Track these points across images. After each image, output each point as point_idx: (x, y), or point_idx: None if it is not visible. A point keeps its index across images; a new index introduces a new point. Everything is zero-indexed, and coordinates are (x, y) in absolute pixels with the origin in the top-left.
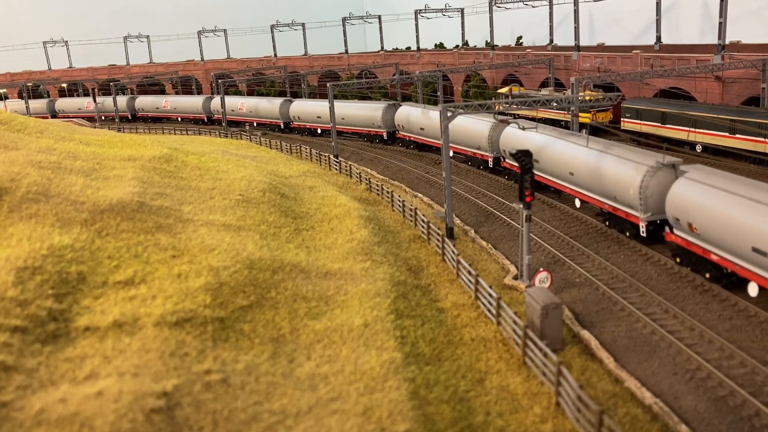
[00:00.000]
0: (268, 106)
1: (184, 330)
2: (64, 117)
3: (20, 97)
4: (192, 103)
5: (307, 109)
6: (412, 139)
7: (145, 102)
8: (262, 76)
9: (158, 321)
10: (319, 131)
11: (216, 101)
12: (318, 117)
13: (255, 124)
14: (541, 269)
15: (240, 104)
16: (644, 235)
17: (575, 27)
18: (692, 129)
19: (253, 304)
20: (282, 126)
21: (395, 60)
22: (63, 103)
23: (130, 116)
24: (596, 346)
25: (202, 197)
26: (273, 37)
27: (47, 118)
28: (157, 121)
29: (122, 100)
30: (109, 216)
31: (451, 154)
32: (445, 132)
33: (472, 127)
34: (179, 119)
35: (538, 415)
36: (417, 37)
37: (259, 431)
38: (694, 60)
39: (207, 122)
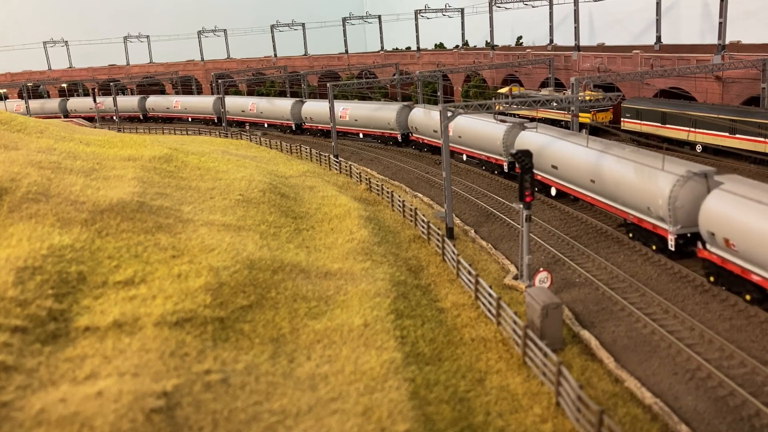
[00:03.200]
0: (279, 106)
1: (184, 330)
2: (75, 116)
3: (20, 97)
4: (203, 103)
5: (319, 110)
6: (426, 141)
7: (156, 102)
8: (262, 76)
9: (158, 321)
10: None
11: (227, 101)
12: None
13: (266, 125)
14: (541, 269)
15: (250, 105)
16: (672, 249)
17: (575, 27)
18: (692, 129)
19: (253, 304)
20: (294, 127)
21: (395, 60)
22: (75, 103)
23: (141, 116)
24: (596, 346)
25: (202, 197)
26: (273, 37)
27: (59, 117)
28: (168, 121)
29: (133, 100)
30: (109, 216)
31: (464, 158)
32: (445, 132)
33: (486, 130)
34: (190, 119)
35: (538, 415)
36: (417, 37)
37: (259, 431)
38: (694, 60)
39: (218, 123)
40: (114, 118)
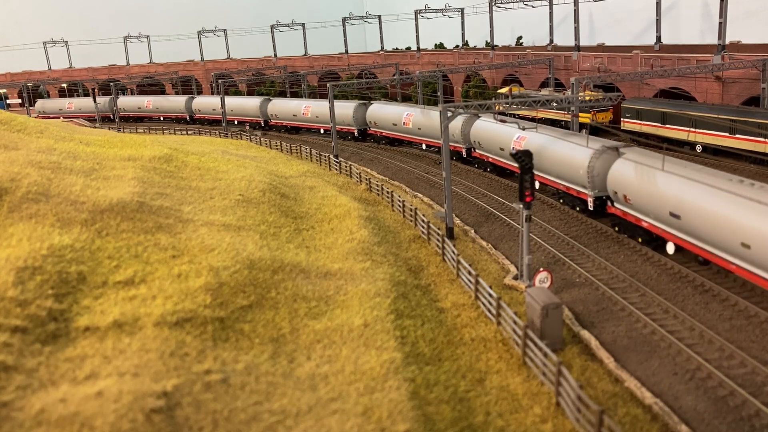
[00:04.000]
0: (339, 110)
1: (184, 330)
2: (123, 116)
3: (20, 96)
4: (249, 105)
5: (283, 107)
6: (491, 161)
7: (201, 104)
8: (262, 76)
9: (158, 321)
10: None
11: (274, 104)
12: (398, 124)
13: (321, 131)
14: (541, 269)
15: (304, 108)
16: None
17: (575, 27)
18: (692, 129)
19: (253, 304)
20: (356, 133)
21: (395, 60)
22: (123, 102)
23: (188, 118)
24: (596, 346)
25: (202, 197)
26: (273, 37)
27: (110, 117)
28: (216, 123)
29: (181, 101)
30: (109, 216)
31: (537, 185)
32: (445, 132)
33: (566, 153)
34: (236, 122)
35: (538, 415)
36: (417, 37)
37: (259, 431)
38: (694, 60)
39: (265, 126)
40: (161, 118)
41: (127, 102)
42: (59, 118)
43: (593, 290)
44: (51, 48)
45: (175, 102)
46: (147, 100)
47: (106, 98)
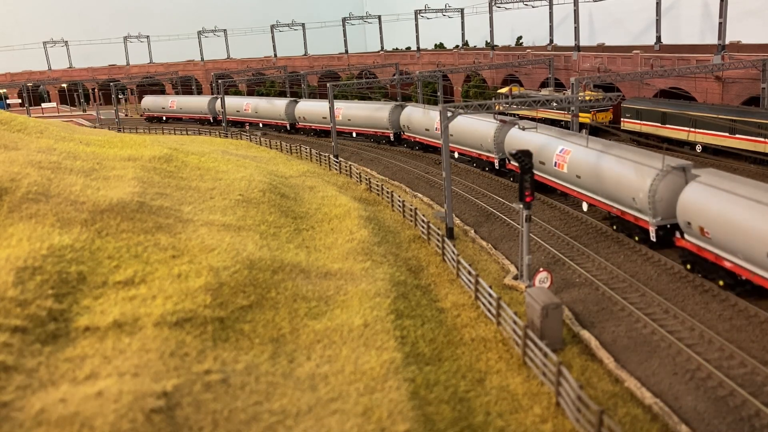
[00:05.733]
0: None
1: (184, 330)
2: (234, 120)
3: (20, 96)
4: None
5: (234, 104)
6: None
7: (231, 104)
8: (262, 76)
9: (158, 321)
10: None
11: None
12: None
13: (354, 135)
14: (541, 269)
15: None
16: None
17: (575, 27)
18: (692, 129)
19: (253, 304)
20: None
21: (395, 60)
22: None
23: (288, 127)
24: (596, 346)
25: (202, 197)
26: (273, 37)
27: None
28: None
29: (280, 105)
30: (109, 216)
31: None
32: (445, 132)
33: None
34: (260, 125)
35: (538, 415)
36: (417, 37)
37: (259, 431)
38: (694, 60)
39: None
40: (260, 125)
41: (228, 103)
42: (162, 117)
43: (593, 290)
44: (51, 48)
45: (275, 107)
46: (246, 103)
47: (207, 98)
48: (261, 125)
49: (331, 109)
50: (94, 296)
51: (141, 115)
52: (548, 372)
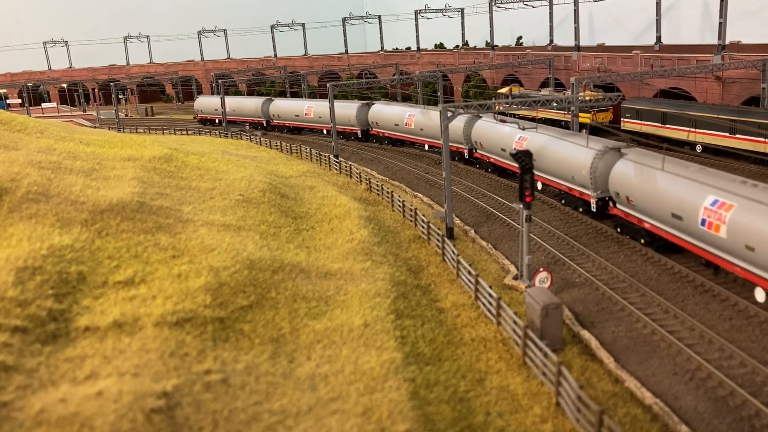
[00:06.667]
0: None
1: (184, 330)
2: (278, 124)
3: (20, 96)
4: (342, 111)
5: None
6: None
7: (282, 108)
8: (262, 76)
9: (158, 321)
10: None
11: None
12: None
13: (324, 132)
14: (541, 269)
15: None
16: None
17: (575, 27)
18: (692, 129)
19: (253, 304)
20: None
21: (395, 60)
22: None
23: (264, 123)
24: (596, 346)
25: (202, 197)
26: (273, 37)
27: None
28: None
29: (256, 103)
30: (109, 216)
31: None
32: (445, 132)
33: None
34: (324, 131)
35: (538, 415)
36: (417, 37)
37: (259, 431)
38: (694, 60)
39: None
40: (324, 131)
41: (281, 107)
42: (215, 121)
43: (593, 290)
44: (51, 48)
45: (343, 110)
46: (308, 106)
47: (261, 99)
48: (325, 132)
49: (331, 108)
50: (94, 296)
51: (194, 118)
52: (548, 372)
